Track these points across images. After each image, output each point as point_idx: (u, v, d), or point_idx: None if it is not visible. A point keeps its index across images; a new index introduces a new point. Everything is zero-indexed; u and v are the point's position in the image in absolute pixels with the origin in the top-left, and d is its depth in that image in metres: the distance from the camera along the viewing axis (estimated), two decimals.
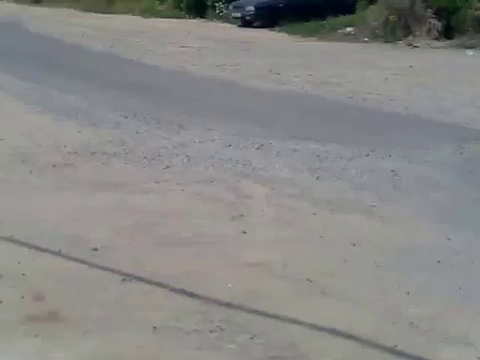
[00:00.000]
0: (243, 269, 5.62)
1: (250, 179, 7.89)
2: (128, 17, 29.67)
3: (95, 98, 12.06)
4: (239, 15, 26.75)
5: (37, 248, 5.78)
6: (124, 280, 5.29)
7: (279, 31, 24.44)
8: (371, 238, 6.32)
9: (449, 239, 6.31)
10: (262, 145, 9.23)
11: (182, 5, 30.00)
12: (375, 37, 22.43)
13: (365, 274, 5.58)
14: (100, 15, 29.89)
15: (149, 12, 30.42)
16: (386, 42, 21.83)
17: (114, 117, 10.66)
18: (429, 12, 22.27)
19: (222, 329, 4.67)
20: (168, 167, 8.23)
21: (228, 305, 4.96)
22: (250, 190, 7.52)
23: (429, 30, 22.12)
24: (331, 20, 24.44)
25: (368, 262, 5.78)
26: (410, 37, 22.17)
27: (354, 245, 6.13)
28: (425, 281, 5.47)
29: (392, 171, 8.24)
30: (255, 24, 26.16)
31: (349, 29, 23.59)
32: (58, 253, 5.70)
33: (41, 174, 7.87)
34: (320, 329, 4.70)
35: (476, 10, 21.62)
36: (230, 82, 14.48)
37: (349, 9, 25.33)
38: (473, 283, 5.44)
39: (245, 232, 6.36)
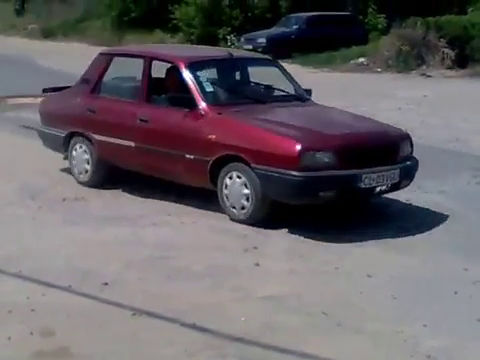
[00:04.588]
0: (257, 302, 5.53)
1: None
2: None
3: None
4: (251, 47, 26.83)
5: (46, 283, 5.71)
6: (134, 315, 5.20)
7: (291, 62, 24.47)
8: (387, 269, 6.23)
9: (466, 269, 6.22)
10: None
11: (193, 38, 30.21)
12: (388, 67, 22.49)
13: (381, 306, 5.47)
14: None
15: None
16: (399, 72, 21.86)
17: None
18: (442, 41, 22.32)
19: None
20: (180, 199, 8.14)
21: (241, 340, 4.85)
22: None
23: (442, 59, 22.16)
24: (344, 51, 24.58)
25: (384, 294, 5.68)
26: (423, 67, 22.21)
27: (370, 276, 6.03)
28: (442, 312, 5.37)
29: (407, 201, 8.15)
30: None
31: (362, 59, 23.66)
32: (68, 288, 5.63)
33: (51, 208, 7.82)
34: None
35: None
36: None
37: (361, 40, 25.44)
38: None
39: (258, 264, 6.27)
